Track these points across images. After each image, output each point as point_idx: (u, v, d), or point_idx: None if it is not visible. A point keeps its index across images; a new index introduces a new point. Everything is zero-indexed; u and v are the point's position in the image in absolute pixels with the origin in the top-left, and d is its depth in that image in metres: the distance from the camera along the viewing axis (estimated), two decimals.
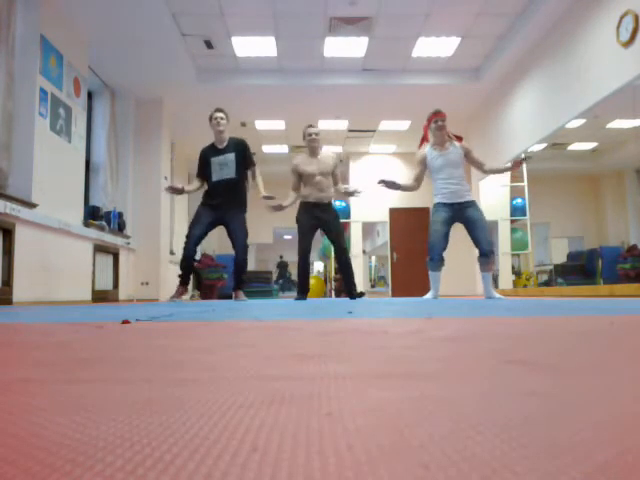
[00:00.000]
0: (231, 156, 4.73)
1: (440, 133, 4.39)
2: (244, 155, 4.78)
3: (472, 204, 4.38)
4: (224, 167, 4.72)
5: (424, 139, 4.58)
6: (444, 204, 4.37)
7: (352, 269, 4.96)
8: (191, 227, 4.76)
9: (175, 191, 4.89)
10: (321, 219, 4.83)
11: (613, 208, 6.56)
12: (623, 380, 0.49)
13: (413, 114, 8.59)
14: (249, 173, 4.84)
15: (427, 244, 4.46)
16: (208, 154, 4.78)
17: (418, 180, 4.54)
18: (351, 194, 4.96)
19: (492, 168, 4.71)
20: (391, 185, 4.48)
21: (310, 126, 4.88)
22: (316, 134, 4.83)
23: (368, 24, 6.10)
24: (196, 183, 4.89)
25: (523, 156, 4.56)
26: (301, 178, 4.83)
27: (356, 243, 10.66)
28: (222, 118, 4.74)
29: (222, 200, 4.72)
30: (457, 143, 4.47)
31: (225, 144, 4.78)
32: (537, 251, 7.24)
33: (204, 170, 4.78)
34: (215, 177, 4.73)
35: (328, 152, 5.06)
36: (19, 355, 0.77)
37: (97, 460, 0.26)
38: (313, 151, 4.84)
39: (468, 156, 4.44)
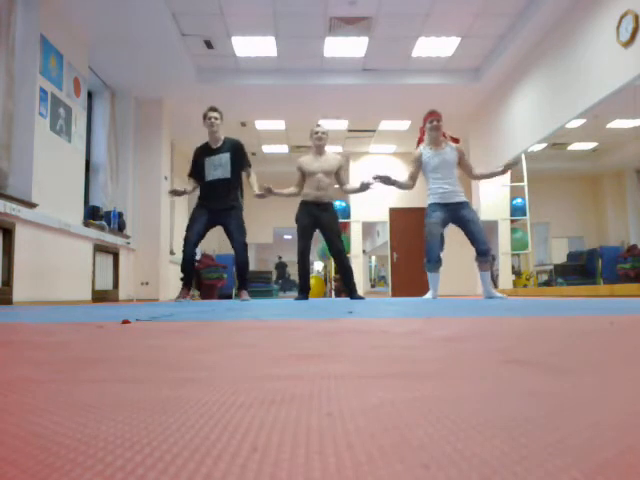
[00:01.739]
0: (226, 156, 4.71)
1: (435, 133, 4.41)
2: (240, 155, 4.76)
3: (466, 205, 4.43)
4: (218, 167, 4.70)
5: (421, 140, 4.63)
6: (438, 204, 4.40)
7: (351, 270, 4.93)
8: (188, 229, 4.74)
9: (178, 194, 4.88)
10: (319, 218, 4.82)
11: (613, 208, 6.56)
12: (623, 380, 0.49)
13: (413, 114, 8.58)
14: (244, 174, 4.83)
15: (424, 246, 4.49)
16: (202, 154, 4.75)
17: (413, 179, 4.57)
18: (364, 189, 4.76)
19: (482, 173, 4.80)
20: (386, 180, 4.46)
21: (317, 125, 4.95)
22: (322, 133, 4.86)
23: (368, 24, 6.10)
24: (192, 183, 4.88)
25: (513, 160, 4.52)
26: (304, 176, 4.85)
27: (356, 243, 10.66)
28: (216, 118, 4.71)
29: (217, 200, 4.69)
30: (453, 144, 4.50)
31: (220, 144, 4.76)
32: (537, 251, 7.25)
33: (197, 170, 4.76)
34: (209, 177, 4.70)
35: (334, 153, 5.09)
36: (19, 355, 0.77)
37: (97, 460, 0.26)
38: (318, 150, 4.87)
39: (461, 159, 4.47)
